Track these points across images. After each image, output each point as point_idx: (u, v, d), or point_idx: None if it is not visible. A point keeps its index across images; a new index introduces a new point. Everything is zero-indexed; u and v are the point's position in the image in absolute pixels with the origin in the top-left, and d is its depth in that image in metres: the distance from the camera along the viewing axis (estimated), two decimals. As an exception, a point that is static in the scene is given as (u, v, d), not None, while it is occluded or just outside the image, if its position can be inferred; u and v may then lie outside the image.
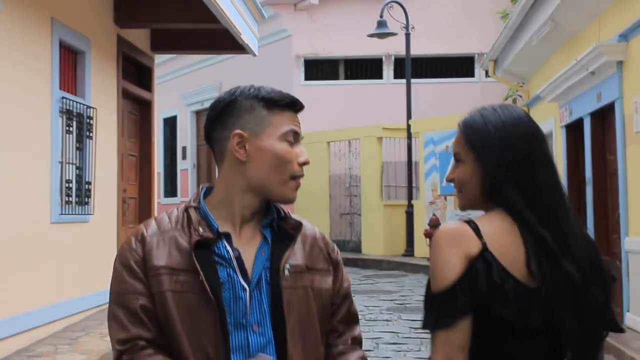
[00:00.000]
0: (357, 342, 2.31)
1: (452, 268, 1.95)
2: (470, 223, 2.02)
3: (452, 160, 2.24)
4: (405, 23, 16.55)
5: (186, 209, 2.17)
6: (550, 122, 12.60)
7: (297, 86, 19.55)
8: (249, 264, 2.11)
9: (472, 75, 19.64)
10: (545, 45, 11.84)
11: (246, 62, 19.38)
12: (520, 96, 15.76)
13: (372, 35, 16.34)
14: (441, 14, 19.14)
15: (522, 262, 1.99)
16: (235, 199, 2.16)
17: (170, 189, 24.16)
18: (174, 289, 2.06)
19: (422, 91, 18.23)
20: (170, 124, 24.13)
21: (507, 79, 15.28)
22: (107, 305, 2.15)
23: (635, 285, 8.35)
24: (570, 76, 10.10)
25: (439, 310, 1.96)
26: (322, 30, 19.59)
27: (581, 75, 9.69)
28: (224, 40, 11.16)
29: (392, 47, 18.62)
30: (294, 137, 2.17)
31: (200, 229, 2.10)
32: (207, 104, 22.29)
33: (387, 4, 16.41)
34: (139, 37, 11.14)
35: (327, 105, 19.12)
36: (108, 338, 6.95)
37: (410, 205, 16.28)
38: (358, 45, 19.11)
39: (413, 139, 16.62)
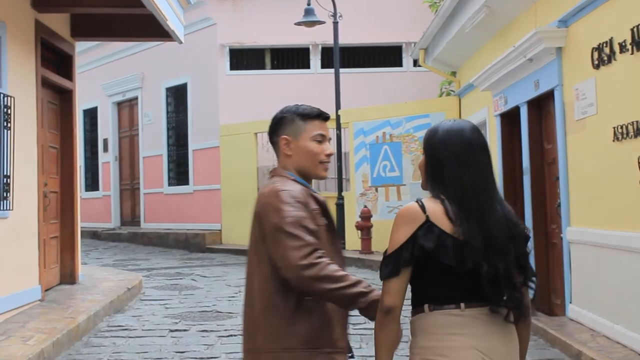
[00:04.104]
0: None
1: (401, 238, 2.87)
2: (419, 202, 2.92)
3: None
4: (332, 11, 16.23)
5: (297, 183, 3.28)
6: (484, 111, 12.45)
7: (223, 76, 19.11)
8: None
9: (399, 64, 19.43)
10: (479, 32, 11.66)
11: (169, 51, 18.88)
12: (453, 91, 15.61)
13: (299, 24, 15.97)
14: (369, 2, 18.89)
15: (452, 226, 2.87)
16: None
17: (92, 183, 23.45)
18: (321, 224, 3.21)
19: (350, 81, 17.94)
20: (91, 115, 23.41)
21: (438, 67, 15.11)
22: (279, 229, 3.08)
23: (578, 277, 8.20)
24: (506, 64, 9.92)
25: (391, 264, 2.86)
26: (248, 19, 19.15)
27: (518, 63, 9.53)
28: (148, 27, 10.67)
29: (319, 37, 18.29)
30: (321, 138, 3.34)
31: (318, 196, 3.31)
32: (129, 95, 21.72)
33: (314, -9, 16.06)
34: (59, 23, 10.56)
35: (253, 96, 18.72)
36: (31, 342, 6.39)
37: (340, 197, 15.98)
38: (284, 34, 18.71)
39: (342, 130, 16.32)
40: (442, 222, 2.86)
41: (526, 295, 2.99)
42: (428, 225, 2.85)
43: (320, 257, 3.00)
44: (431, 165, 2.98)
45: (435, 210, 2.88)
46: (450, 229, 2.85)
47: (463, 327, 2.85)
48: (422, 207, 2.88)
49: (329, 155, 3.32)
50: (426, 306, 2.91)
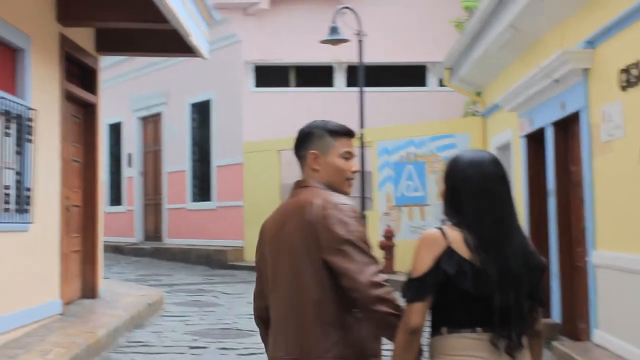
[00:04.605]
0: None
1: (425, 262, 2.95)
2: (440, 229, 3.02)
3: None
4: (357, 30, 16.17)
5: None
6: (509, 132, 12.35)
7: (247, 92, 19.12)
8: None
9: (424, 84, 19.38)
10: (505, 52, 11.58)
11: (194, 67, 18.92)
12: (478, 111, 15.49)
13: (324, 42, 15.91)
14: (394, 21, 18.86)
15: (470, 253, 2.98)
16: None
17: (116, 197, 23.51)
18: None
19: (374, 100, 17.86)
20: (116, 130, 23.50)
21: (463, 87, 15.03)
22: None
23: (604, 301, 8.06)
24: (532, 84, 9.83)
25: (417, 288, 2.95)
26: (273, 36, 19.17)
27: (544, 84, 9.42)
28: (173, 42, 10.67)
29: (344, 55, 18.24)
30: (349, 155, 3.38)
31: None
32: (154, 110, 21.78)
33: (339, 10, 16.03)
34: (84, 37, 10.60)
35: (277, 113, 18.70)
36: (50, 356, 6.33)
37: (363, 217, 15.86)
38: (309, 51, 18.71)
39: (366, 149, 16.23)
40: (461, 249, 2.96)
41: (536, 321, 3.14)
42: (450, 252, 2.95)
43: (385, 278, 3.09)
44: (451, 195, 3.11)
45: (455, 237, 2.99)
46: (469, 256, 2.96)
47: (479, 350, 2.95)
48: (444, 234, 3.00)
49: (355, 172, 3.39)
50: (444, 329, 3.01)
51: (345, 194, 3.36)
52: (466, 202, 3.05)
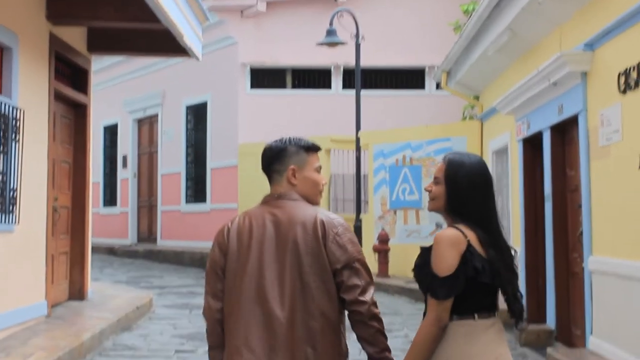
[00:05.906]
0: None
1: (454, 260, 3.25)
2: (458, 229, 3.33)
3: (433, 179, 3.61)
4: (355, 33, 16.03)
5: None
6: (506, 136, 12.20)
7: (243, 94, 18.97)
8: None
9: (422, 87, 19.24)
10: (502, 56, 11.43)
11: (190, 69, 18.78)
12: (476, 115, 15.34)
13: (321, 44, 15.78)
14: (392, 24, 18.72)
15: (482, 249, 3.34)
16: None
17: (110, 199, 23.36)
18: None
19: (371, 102, 17.75)
20: (111, 131, 23.36)
21: (460, 91, 14.88)
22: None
23: (600, 307, 7.89)
24: (530, 88, 9.66)
25: (450, 285, 3.24)
26: (269, 38, 19.03)
27: (542, 87, 9.26)
28: (166, 43, 10.51)
29: (341, 57, 18.13)
30: (319, 169, 3.64)
31: None
32: (150, 112, 21.63)
33: (336, 12, 15.89)
34: (75, 37, 10.43)
35: (273, 115, 18.56)
36: (31, 359, 6.16)
37: (358, 220, 15.69)
38: (306, 54, 18.59)
39: (362, 152, 16.08)
40: (477, 246, 3.32)
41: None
42: (472, 249, 3.30)
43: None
44: (459, 197, 3.42)
45: (471, 235, 3.33)
46: (483, 252, 3.32)
47: (477, 335, 3.32)
48: (463, 233, 3.33)
49: (324, 185, 3.70)
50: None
51: (317, 204, 3.61)
52: (474, 205, 3.40)
